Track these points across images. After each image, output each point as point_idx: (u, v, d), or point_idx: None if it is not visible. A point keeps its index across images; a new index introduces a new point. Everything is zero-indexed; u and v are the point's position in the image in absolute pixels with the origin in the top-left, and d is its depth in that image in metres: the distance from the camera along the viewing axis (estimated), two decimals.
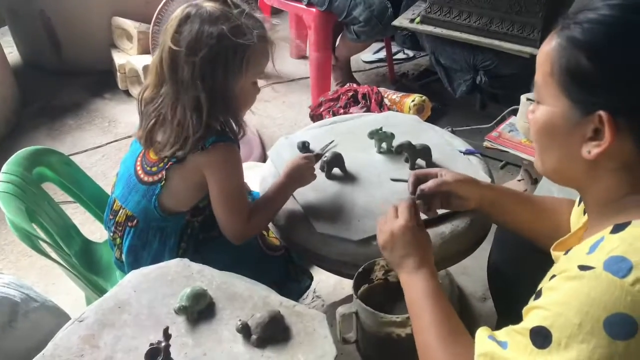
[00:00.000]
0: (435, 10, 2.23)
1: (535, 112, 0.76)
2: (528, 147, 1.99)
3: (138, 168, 1.28)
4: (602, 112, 0.66)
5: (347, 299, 1.33)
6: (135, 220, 1.29)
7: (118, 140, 2.58)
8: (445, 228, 1.26)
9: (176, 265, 1.15)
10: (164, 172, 1.22)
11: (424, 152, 1.42)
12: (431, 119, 2.43)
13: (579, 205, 0.97)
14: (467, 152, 1.51)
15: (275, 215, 1.31)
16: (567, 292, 0.64)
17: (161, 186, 1.23)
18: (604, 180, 0.72)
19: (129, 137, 2.54)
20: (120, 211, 1.31)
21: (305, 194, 1.35)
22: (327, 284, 1.71)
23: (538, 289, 0.72)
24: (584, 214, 0.90)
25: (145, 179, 1.26)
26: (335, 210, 1.30)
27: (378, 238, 1.05)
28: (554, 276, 0.70)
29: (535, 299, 0.70)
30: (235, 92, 1.19)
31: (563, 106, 0.71)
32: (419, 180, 1.13)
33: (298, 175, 1.30)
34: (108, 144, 2.56)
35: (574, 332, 0.62)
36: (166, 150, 1.20)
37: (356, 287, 1.10)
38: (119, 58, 2.86)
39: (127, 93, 2.89)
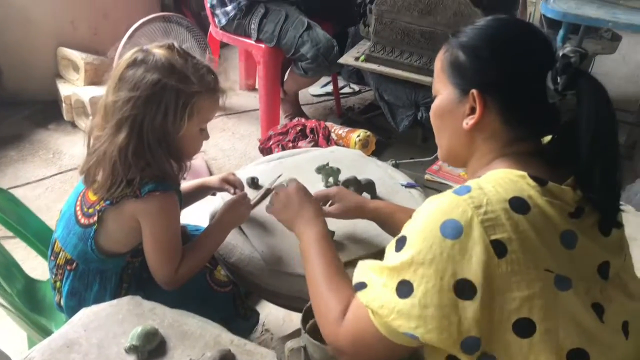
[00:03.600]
0: (379, 50, 2.35)
1: (433, 104, 0.96)
2: (467, 179, 2.10)
3: (77, 208, 1.27)
4: (473, 90, 0.87)
5: (297, 332, 1.35)
6: (74, 264, 1.27)
7: (63, 172, 2.53)
8: None
9: (128, 303, 1.15)
10: (97, 215, 1.21)
11: (369, 186, 1.49)
12: (376, 152, 2.53)
13: None
14: (409, 186, 1.59)
15: (207, 259, 1.32)
16: (423, 209, 0.82)
17: (95, 229, 1.22)
18: (479, 149, 0.91)
19: (74, 169, 2.50)
20: (61, 253, 1.29)
21: (254, 229, 1.38)
22: (276, 316, 1.73)
23: None
24: None
25: (82, 220, 1.25)
26: (285, 244, 1.33)
27: (273, 211, 1.22)
28: None
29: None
30: (177, 138, 1.19)
31: (449, 91, 0.92)
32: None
33: (231, 214, 1.32)
34: (52, 177, 2.50)
35: (419, 233, 0.78)
36: (102, 191, 1.19)
37: (304, 321, 1.14)
38: (64, 89, 2.83)
39: (72, 124, 2.85)
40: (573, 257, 0.79)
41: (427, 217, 0.79)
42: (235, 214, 1.32)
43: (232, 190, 1.43)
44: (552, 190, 0.80)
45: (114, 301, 1.16)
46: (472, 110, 0.88)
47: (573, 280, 0.77)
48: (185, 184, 1.42)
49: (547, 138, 0.93)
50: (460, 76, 0.90)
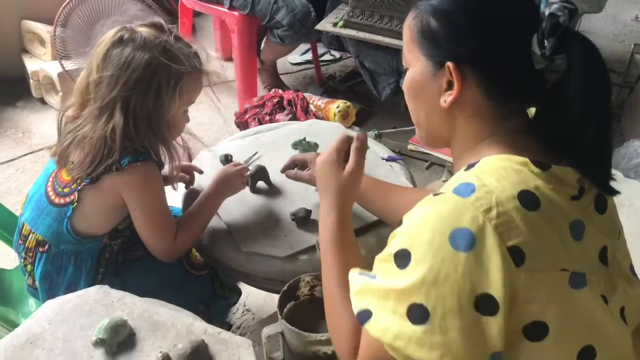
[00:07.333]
0: (358, 15, 2.25)
1: (405, 79, 0.86)
2: (453, 164, 2.05)
3: (49, 189, 1.22)
4: (449, 63, 0.76)
5: (275, 316, 1.31)
6: (46, 245, 1.22)
7: (33, 152, 2.43)
8: (372, 237, 1.27)
9: (95, 293, 1.10)
10: (76, 194, 1.17)
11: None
12: (358, 121, 2.46)
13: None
14: (389, 159, 1.54)
15: (204, 228, 1.28)
16: (422, 214, 0.71)
17: (73, 208, 1.18)
18: (463, 128, 0.81)
19: (46, 148, 2.40)
20: (30, 236, 1.24)
21: (229, 210, 1.32)
22: (257, 297, 1.69)
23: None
24: None
25: (57, 200, 1.20)
26: (261, 225, 1.28)
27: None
28: None
29: (397, 227, 0.76)
30: (165, 119, 1.17)
31: (422, 64, 0.81)
32: (294, 165, 1.30)
33: (227, 185, 1.28)
34: (22, 157, 2.40)
35: (427, 247, 0.68)
36: (79, 170, 1.15)
37: (281, 306, 1.09)
38: (31, 64, 2.70)
39: (42, 101, 2.73)
40: (583, 248, 0.72)
41: (432, 226, 0.68)
42: (231, 185, 1.29)
43: (187, 177, 1.40)
44: (556, 174, 0.73)
45: (80, 292, 1.11)
46: (450, 85, 0.78)
47: (587, 274, 0.71)
48: None
49: (532, 110, 0.84)
50: (433, 47, 0.78)
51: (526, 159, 0.72)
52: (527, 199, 0.69)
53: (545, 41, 0.73)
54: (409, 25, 0.83)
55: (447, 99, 0.78)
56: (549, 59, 0.74)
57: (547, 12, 0.73)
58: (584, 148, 0.74)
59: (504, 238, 0.66)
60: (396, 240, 0.72)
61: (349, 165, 0.98)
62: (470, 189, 0.69)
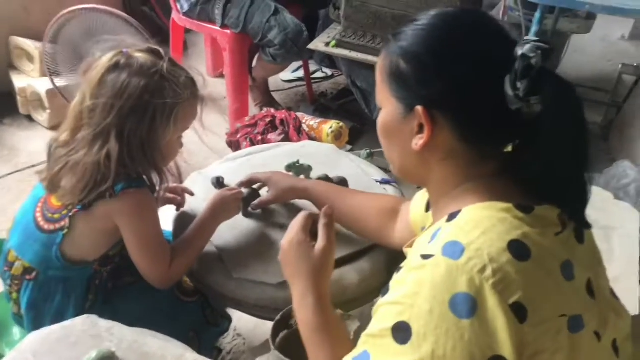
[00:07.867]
0: (350, 35, 2.25)
1: (378, 118, 0.83)
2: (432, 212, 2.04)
3: (38, 215, 1.19)
4: (418, 107, 0.74)
5: (267, 344, 1.29)
6: (34, 273, 1.19)
7: (20, 170, 2.38)
8: (365, 263, 1.25)
9: (82, 324, 1.07)
10: (67, 220, 1.14)
11: (341, 184, 1.42)
12: (350, 140, 2.45)
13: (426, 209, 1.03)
14: (383, 182, 1.53)
15: (199, 253, 1.26)
16: (415, 282, 0.68)
17: (64, 235, 1.15)
18: (437, 172, 0.79)
19: (33, 166, 2.35)
20: (17, 263, 1.20)
21: (220, 234, 1.29)
22: (248, 321, 1.66)
23: (386, 286, 0.74)
24: (427, 211, 0.99)
25: (46, 227, 1.17)
26: (252, 251, 1.26)
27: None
28: (400, 269, 0.74)
29: (383, 295, 0.72)
30: (160, 146, 1.15)
31: (392, 106, 0.78)
32: (251, 183, 1.35)
33: (223, 210, 1.27)
34: (8, 175, 2.35)
35: (427, 319, 0.65)
36: (71, 196, 1.12)
37: (274, 336, 1.07)
38: (18, 81, 2.67)
39: (29, 118, 2.69)
40: (575, 287, 0.71)
41: (428, 295, 0.66)
42: (226, 209, 1.27)
43: (178, 199, 1.38)
44: (540, 214, 0.71)
45: (67, 322, 1.08)
46: (421, 128, 0.75)
47: (582, 315, 0.70)
48: None
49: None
50: (403, 89, 0.76)
51: (509, 205, 0.71)
52: (518, 250, 0.67)
53: (518, 83, 0.70)
54: (380, 66, 0.80)
55: (418, 142, 0.76)
56: (524, 100, 0.71)
57: (519, 53, 0.71)
58: (561, 188, 0.73)
59: (504, 296, 0.65)
60: (388, 313, 0.69)
61: (320, 242, 0.93)
62: (460, 250, 0.67)
